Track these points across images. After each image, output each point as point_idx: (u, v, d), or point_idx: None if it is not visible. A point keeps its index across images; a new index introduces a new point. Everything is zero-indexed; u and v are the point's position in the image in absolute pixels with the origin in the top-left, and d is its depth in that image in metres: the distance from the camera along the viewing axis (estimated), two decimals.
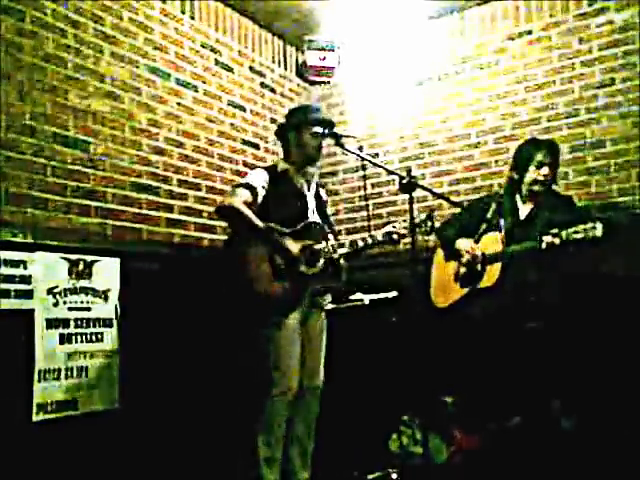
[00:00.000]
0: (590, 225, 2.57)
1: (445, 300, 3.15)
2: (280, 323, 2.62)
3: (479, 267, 2.98)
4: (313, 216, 2.82)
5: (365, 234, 2.81)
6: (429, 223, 2.69)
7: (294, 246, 2.64)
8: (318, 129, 2.75)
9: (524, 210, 3.04)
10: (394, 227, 2.77)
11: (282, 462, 2.70)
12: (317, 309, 2.83)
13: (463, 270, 3.07)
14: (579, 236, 2.60)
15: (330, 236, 2.81)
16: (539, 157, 2.93)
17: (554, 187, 3.06)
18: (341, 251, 2.71)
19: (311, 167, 2.85)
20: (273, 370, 2.62)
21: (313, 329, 2.80)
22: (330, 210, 3.02)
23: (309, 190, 2.87)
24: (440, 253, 3.30)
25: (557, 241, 2.65)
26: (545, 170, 2.92)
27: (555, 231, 2.66)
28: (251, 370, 2.69)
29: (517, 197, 3.07)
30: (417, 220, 2.65)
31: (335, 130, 2.78)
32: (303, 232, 2.71)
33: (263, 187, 2.72)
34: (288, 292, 2.61)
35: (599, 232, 2.54)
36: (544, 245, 2.69)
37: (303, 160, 2.81)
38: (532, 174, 2.95)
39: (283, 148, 2.90)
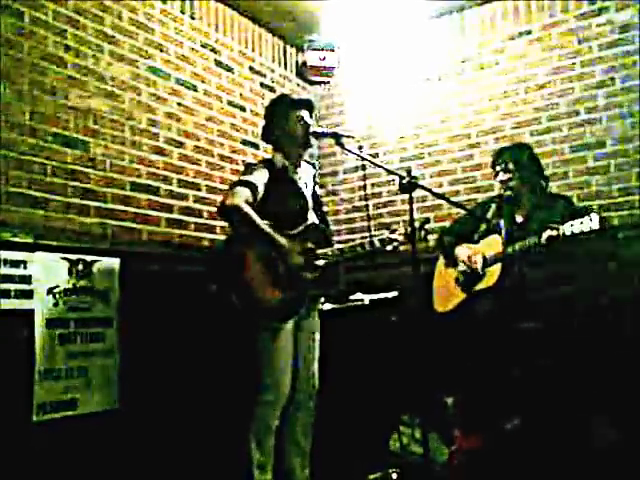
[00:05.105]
0: (587, 218, 2.59)
1: (447, 305, 3.16)
2: (275, 330, 2.61)
3: (479, 270, 2.99)
4: (312, 216, 2.81)
5: (365, 234, 2.80)
6: (422, 233, 2.67)
7: (296, 252, 2.62)
8: (303, 113, 2.76)
9: (520, 214, 3.07)
10: (392, 235, 2.72)
11: (281, 462, 2.70)
12: (311, 311, 2.81)
13: (463, 276, 3.09)
14: (577, 230, 2.61)
15: (328, 238, 2.80)
16: (497, 163, 3.10)
17: (549, 188, 3.11)
18: (339, 258, 2.68)
19: (306, 153, 2.84)
20: (265, 376, 2.60)
21: (307, 331, 2.78)
22: (327, 208, 3.00)
23: (307, 187, 2.86)
24: (441, 261, 3.32)
25: (555, 234, 2.67)
26: (499, 177, 3.06)
27: (554, 225, 2.68)
28: (248, 372, 2.69)
29: (511, 205, 3.10)
30: (409, 231, 2.62)
31: (335, 130, 2.78)
32: (303, 234, 2.69)
33: (264, 184, 2.67)
34: (287, 299, 2.59)
35: (595, 224, 2.56)
36: (544, 240, 2.70)
37: (296, 148, 2.79)
38: (496, 180, 3.11)
39: (275, 147, 2.86)
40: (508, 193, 3.04)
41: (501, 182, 3.05)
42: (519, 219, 3.05)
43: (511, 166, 3.02)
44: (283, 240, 2.60)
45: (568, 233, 2.63)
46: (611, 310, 3.25)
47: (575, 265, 2.99)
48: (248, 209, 2.56)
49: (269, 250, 2.60)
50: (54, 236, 2.78)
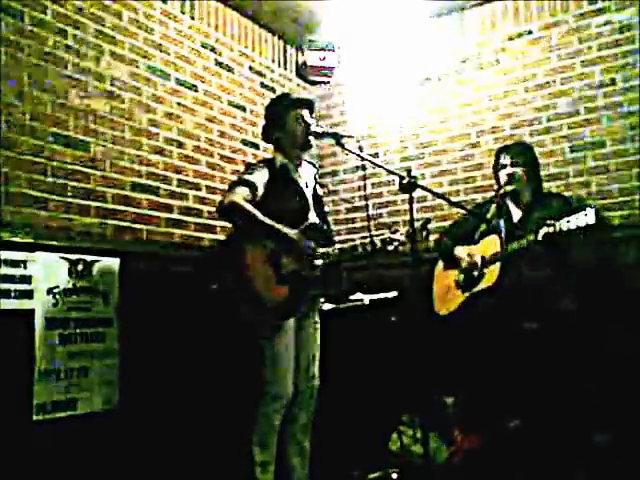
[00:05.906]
0: (582, 213, 2.58)
1: (447, 308, 3.16)
2: (278, 327, 2.61)
3: (478, 271, 2.99)
4: (313, 216, 2.79)
5: (365, 234, 2.80)
6: (424, 232, 2.66)
7: (302, 241, 2.61)
8: (304, 112, 2.76)
9: (517, 213, 3.07)
10: (393, 234, 2.67)
11: (281, 462, 2.70)
12: (312, 311, 2.81)
13: (463, 276, 3.09)
14: (573, 225, 2.61)
15: (328, 238, 2.79)
16: (501, 160, 3.09)
17: (544, 186, 3.11)
18: (340, 258, 2.66)
19: (306, 153, 2.85)
20: (268, 374, 2.60)
21: (308, 330, 2.78)
22: (327, 208, 3.00)
23: (307, 187, 2.85)
24: (440, 264, 3.32)
25: (551, 230, 2.66)
26: (507, 170, 3.03)
27: (551, 222, 2.68)
28: (249, 372, 2.69)
29: (509, 202, 3.10)
30: (410, 231, 2.60)
31: (336, 130, 2.78)
32: (304, 234, 2.68)
33: (263, 184, 2.67)
34: (289, 297, 2.59)
35: (591, 219, 2.55)
36: (540, 237, 2.70)
37: (296, 148, 2.79)
38: (501, 178, 3.08)
39: (275, 147, 2.86)
40: (511, 187, 3.02)
41: (506, 175, 3.03)
42: (516, 217, 3.05)
43: (517, 161, 3.02)
44: (288, 229, 2.59)
45: (565, 229, 2.63)
46: (611, 310, 3.25)
47: (574, 264, 2.99)
48: (247, 205, 2.56)
49: (270, 247, 2.60)
50: (54, 236, 2.78)
